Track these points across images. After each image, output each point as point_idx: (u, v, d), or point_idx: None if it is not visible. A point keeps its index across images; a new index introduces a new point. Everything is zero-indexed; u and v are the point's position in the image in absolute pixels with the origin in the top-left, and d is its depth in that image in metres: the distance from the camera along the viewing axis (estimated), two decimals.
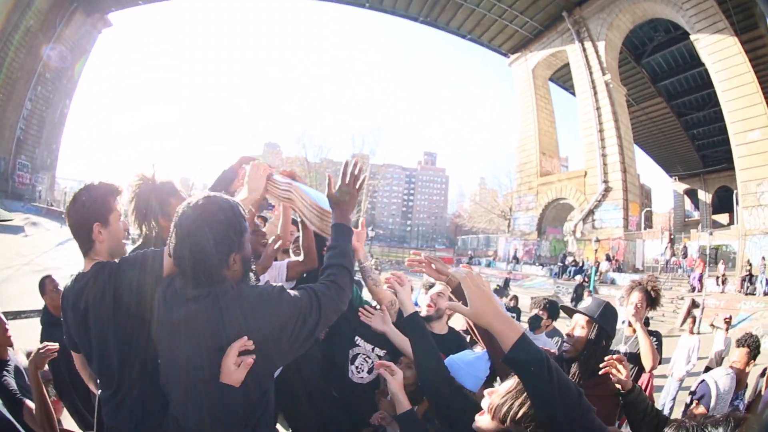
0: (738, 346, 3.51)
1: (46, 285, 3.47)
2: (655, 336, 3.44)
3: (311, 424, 2.57)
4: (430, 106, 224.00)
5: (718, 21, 21.01)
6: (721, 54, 20.93)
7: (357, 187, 1.80)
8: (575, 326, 2.23)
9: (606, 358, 2.03)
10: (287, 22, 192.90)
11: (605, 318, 2.18)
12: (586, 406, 1.20)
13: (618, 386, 2.02)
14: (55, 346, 2.64)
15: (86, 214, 1.71)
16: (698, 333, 7.18)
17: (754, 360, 3.62)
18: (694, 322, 7.50)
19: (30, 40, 28.11)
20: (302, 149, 42.60)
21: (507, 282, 21.88)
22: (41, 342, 2.85)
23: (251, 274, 1.57)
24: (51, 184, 33.55)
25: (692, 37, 22.38)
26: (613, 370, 2.00)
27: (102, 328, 1.62)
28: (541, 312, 3.97)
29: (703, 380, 2.51)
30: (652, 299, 3.34)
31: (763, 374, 3.29)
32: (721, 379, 2.44)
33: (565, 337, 2.27)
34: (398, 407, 1.92)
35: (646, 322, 3.91)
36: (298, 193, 2.10)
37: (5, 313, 3.67)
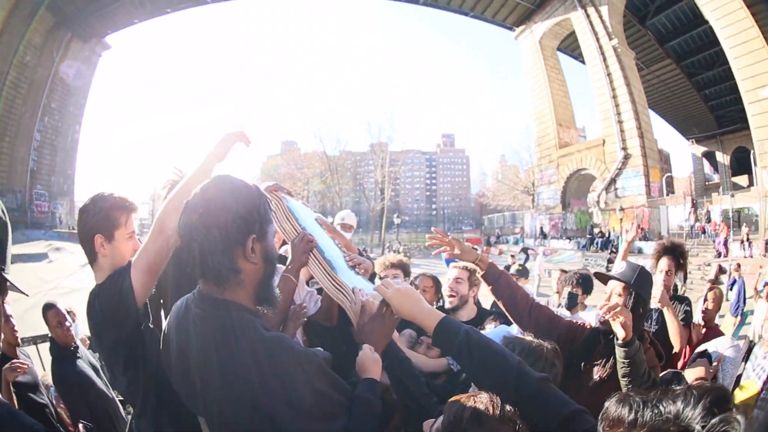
0: None
1: (49, 319, 3.07)
2: (686, 303, 3.46)
3: None
4: (443, 88, 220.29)
5: None
6: (723, 9, 21.05)
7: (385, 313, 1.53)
8: (611, 294, 2.17)
9: (603, 306, 1.97)
10: (293, 18, 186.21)
11: (641, 283, 2.13)
12: (528, 376, 1.20)
13: (618, 333, 1.89)
14: (25, 365, 2.76)
15: (89, 225, 1.67)
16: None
17: None
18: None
19: (30, 75, 28.58)
20: (320, 143, 43.09)
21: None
22: (53, 376, 2.98)
23: (276, 289, 1.35)
24: (70, 208, 34.60)
25: None
26: (614, 315, 1.89)
27: (103, 355, 1.67)
28: (575, 289, 3.72)
29: (705, 350, 2.30)
30: (680, 264, 3.29)
31: None
32: (726, 353, 2.25)
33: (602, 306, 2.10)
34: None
35: (675, 289, 4.05)
36: (314, 257, 1.85)
37: (34, 338, 3.90)
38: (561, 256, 26.65)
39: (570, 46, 32.98)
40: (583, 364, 2.07)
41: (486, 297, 2.69)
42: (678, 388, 0.82)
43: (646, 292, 2.15)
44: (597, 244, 25.92)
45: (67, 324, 3.07)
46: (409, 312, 1.40)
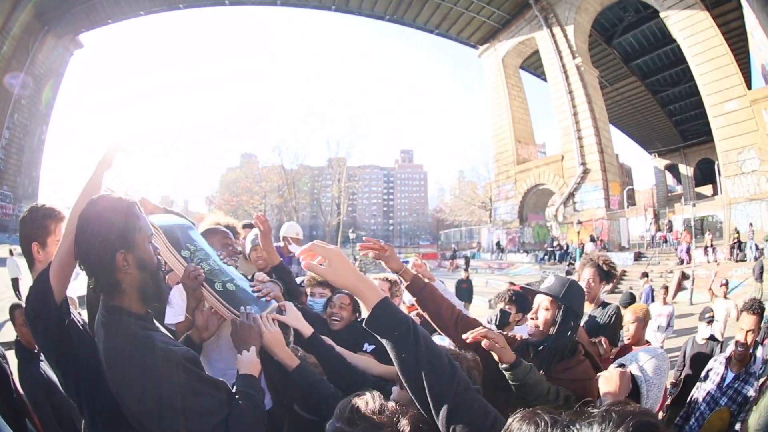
0: (751, 313, 3.09)
1: (16, 318, 3.09)
2: (611, 309, 3.30)
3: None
4: (403, 104, 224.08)
5: None
6: (692, 29, 20.47)
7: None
8: (538, 308, 2.06)
9: (470, 333, 1.76)
10: (257, 32, 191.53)
11: (570, 297, 2.00)
12: (464, 383, 1.14)
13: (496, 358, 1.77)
14: None
15: (27, 233, 1.86)
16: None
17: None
18: (666, 292, 7.64)
19: (4, 67, 27.40)
20: (278, 157, 42.61)
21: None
22: (20, 378, 2.80)
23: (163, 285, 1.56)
24: None
25: (662, 14, 21.90)
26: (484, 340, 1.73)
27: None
28: (508, 306, 3.40)
29: (623, 365, 1.97)
30: (605, 273, 3.23)
31: None
32: (646, 363, 1.92)
33: (529, 319, 2.13)
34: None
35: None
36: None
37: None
38: (518, 269, 25.59)
39: (533, 64, 31.99)
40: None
41: None
42: (595, 410, 0.69)
43: (577, 305, 2.03)
44: (556, 256, 24.47)
45: None
46: (350, 281, 1.26)
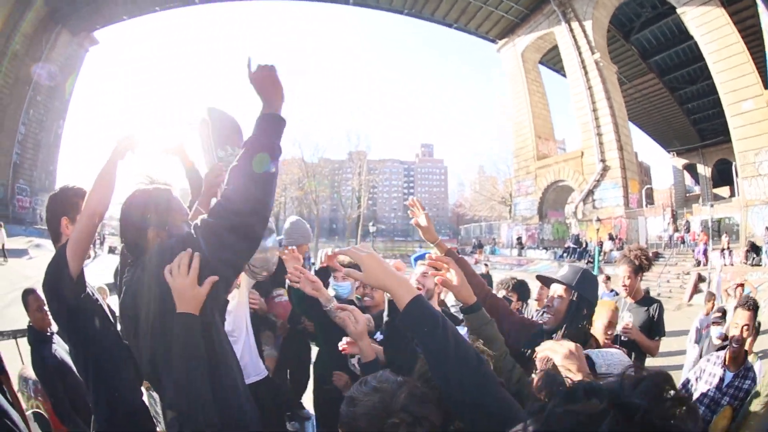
0: (746, 309, 3.12)
1: (29, 303, 3.12)
2: (657, 303, 3.42)
3: (326, 413, 2.77)
4: (423, 98, 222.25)
5: None
6: (709, 26, 20.45)
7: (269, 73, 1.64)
8: (554, 296, 2.16)
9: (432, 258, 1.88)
10: (277, 27, 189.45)
11: (584, 285, 2.10)
12: (491, 379, 1.17)
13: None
14: None
15: (57, 208, 1.97)
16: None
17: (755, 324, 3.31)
18: (713, 300, 7.21)
19: (17, 65, 27.55)
20: (298, 150, 42.36)
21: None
22: (32, 362, 2.93)
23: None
24: None
25: (679, 11, 21.85)
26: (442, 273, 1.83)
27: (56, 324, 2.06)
28: (509, 293, 3.62)
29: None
30: (639, 267, 3.28)
31: None
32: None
33: (545, 307, 2.20)
34: (363, 355, 1.97)
35: (647, 292, 3.90)
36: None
37: (15, 331, 3.92)
38: (537, 266, 25.64)
39: (552, 59, 32.08)
40: (529, 353, 1.95)
41: None
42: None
43: (591, 294, 2.14)
44: (576, 253, 24.58)
45: (46, 309, 3.00)
46: (382, 279, 1.29)
